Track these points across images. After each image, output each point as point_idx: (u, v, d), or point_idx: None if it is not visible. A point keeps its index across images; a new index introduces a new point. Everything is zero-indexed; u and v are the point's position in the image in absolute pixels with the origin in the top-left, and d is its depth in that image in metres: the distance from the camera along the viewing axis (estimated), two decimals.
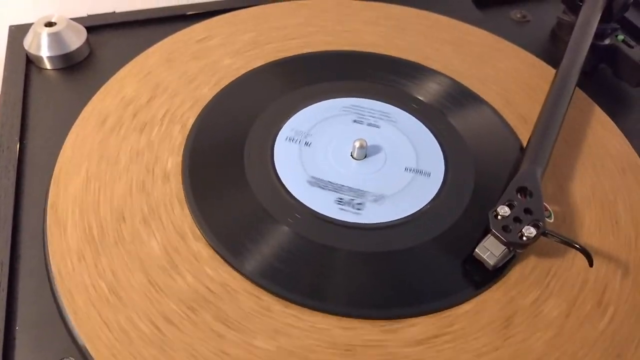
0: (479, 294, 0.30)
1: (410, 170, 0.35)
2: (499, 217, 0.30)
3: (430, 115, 0.39)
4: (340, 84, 0.40)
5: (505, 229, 0.29)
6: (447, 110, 0.39)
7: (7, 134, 0.37)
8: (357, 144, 0.35)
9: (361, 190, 0.34)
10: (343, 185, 0.34)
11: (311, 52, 0.42)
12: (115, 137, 0.35)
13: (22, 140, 0.38)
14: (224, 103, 0.38)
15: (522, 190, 0.31)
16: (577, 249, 0.28)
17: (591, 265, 0.28)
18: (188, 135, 0.35)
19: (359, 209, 0.32)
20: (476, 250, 0.30)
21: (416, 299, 0.29)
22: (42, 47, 0.41)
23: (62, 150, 0.35)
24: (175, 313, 0.27)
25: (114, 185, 0.33)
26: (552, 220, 0.32)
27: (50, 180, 0.34)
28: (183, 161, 0.34)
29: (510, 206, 0.30)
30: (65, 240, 0.30)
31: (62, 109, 0.40)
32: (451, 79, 0.41)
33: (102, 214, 0.31)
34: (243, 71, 0.40)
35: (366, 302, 0.29)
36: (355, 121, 0.38)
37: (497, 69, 0.43)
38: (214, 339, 0.27)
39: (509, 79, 0.42)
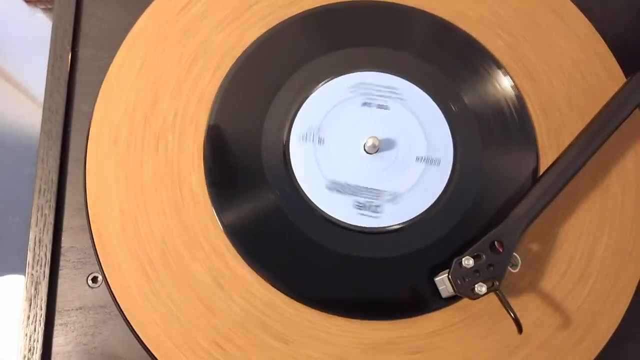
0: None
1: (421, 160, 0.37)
2: (462, 266, 0.33)
3: (441, 90, 0.38)
4: (341, 54, 0.38)
5: (463, 278, 0.33)
6: (460, 82, 0.38)
7: (60, 40, 0.40)
8: (370, 142, 0.36)
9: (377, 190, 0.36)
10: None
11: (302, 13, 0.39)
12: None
13: (74, 47, 0.40)
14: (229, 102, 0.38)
15: (498, 241, 0.34)
16: (511, 317, 0.32)
17: (520, 332, 0.32)
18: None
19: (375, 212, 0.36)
20: (435, 278, 0.34)
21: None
22: None
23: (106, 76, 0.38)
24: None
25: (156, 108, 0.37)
26: (516, 271, 0.34)
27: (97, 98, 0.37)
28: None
29: (477, 257, 0.33)
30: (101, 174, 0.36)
31: (114, 16, 0.41)
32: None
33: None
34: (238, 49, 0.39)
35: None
36: (364, 104, 0.38)
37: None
38: None
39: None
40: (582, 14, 0.40)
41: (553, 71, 0.39)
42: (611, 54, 0.40)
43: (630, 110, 0.35)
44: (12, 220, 0.50)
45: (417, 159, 0.37)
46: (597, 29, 0.41)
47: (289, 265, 0.35)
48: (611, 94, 0.37)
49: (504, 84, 0.39)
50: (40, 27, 0.57)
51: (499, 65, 0.39)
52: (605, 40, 0.41)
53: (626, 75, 0.39)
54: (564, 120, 0.38)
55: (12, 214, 0.50)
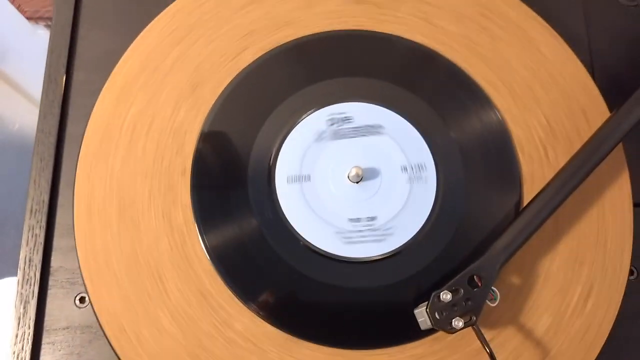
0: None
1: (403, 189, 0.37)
2: (440, 300, 0.34)
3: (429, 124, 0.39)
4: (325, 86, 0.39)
5: (441, 312, 0.33)
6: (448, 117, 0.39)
7: (55, 63, 0.41)
8: (353, 172, 0.37)
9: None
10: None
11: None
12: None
13: (68, 70, 0.41)
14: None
15: (477, 275, 0.34)
16: (487, 352, 0.32)
17: None
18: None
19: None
20: (415, 310, 0.35)
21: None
22: None
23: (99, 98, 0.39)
24: None
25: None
26: (494, 305, 0.35)
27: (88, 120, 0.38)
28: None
29: (455, 291, 0.34)
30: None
31: (108, 40, 0.42)
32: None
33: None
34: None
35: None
36: (347, 134, 0.38)
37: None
38: None
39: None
40: (568, 46, 0.41)
41: (539, 104, 0.40)
42: (596, 88, 0.40)
43: (612, 146, 0.36)
44: (9, 232, 0.51)
45: (400, 188, 0.38)
46: (584, 60, 0.41)
47: (268, 290, 0.35)
48: (595, 129, 0.37)
49: (489, 115, 0.39)
50: (42, 43, 0.58)
51: (485, 97, 0.39)
52: (592, 71, 0.41)
53: (610, 110, 0.39)
54: (549, 154, 0.39)
55: (9, 227, 0.51)
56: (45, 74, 0.40)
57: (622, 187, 0.39)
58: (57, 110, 0.40)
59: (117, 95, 0.38)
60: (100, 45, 0.42)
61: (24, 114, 0.57)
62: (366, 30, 0.40)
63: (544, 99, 0.40)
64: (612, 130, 0.35)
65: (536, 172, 0.38)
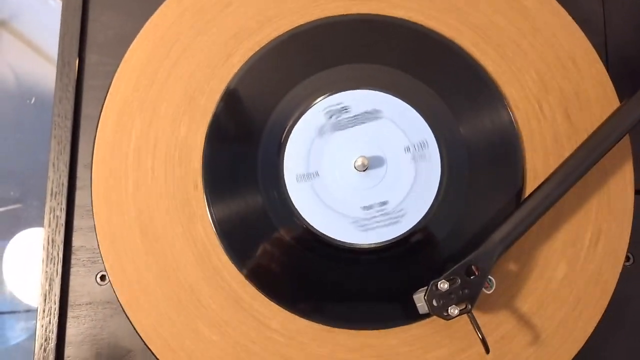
0: None
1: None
2: (438, 288, 0.35)
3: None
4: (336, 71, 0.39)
5: (438, 299, 0.35)
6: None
7: (68, 47, 0.42)
8: (359, 162, 0.38)
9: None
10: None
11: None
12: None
13: (81, 53, 0.42)
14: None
15: (474, 265, 0.36)
16: (479, 338, 0.34)
17: (487, 353, 0.35)
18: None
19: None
20: (414, 295, 0.37)
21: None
22: None
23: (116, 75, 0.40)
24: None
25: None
26: (490, 292, 0.36)
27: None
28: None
29: (452, 280, 0.35)
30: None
31: (119, 22, 0.42)
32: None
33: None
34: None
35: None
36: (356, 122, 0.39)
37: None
38: None
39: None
40: (584, 34, 0.40)
41: (547, 95, 0.40)
42: (609, 78, 0.39)
43: (616, 139, 0.36)
44: (31, 204, 0.53)
45: (405, 176, 0.39)
46: (597, 42, 0.40)
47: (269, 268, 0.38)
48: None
49: (499, 109, 0.39)
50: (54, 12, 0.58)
51: (494, 87, 0.39)
52: (605, 52, 0.41)
53: (620, 99, 0.39)
54: (554, 144, 0.39)
55: (31, 199, 0.53)
56: (58, 58, 0.41)
57: (625, 173, 0.39)
58: (71, 94, 0.41)
59: (131, 76, 0.39)
60: (112, 27, 0.42)
61: (39, 71, 0.57)
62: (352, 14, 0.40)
63: (552, 88, 0.40)
64: (617, 125, 0.36)
65: (540, 164, 0.39)
